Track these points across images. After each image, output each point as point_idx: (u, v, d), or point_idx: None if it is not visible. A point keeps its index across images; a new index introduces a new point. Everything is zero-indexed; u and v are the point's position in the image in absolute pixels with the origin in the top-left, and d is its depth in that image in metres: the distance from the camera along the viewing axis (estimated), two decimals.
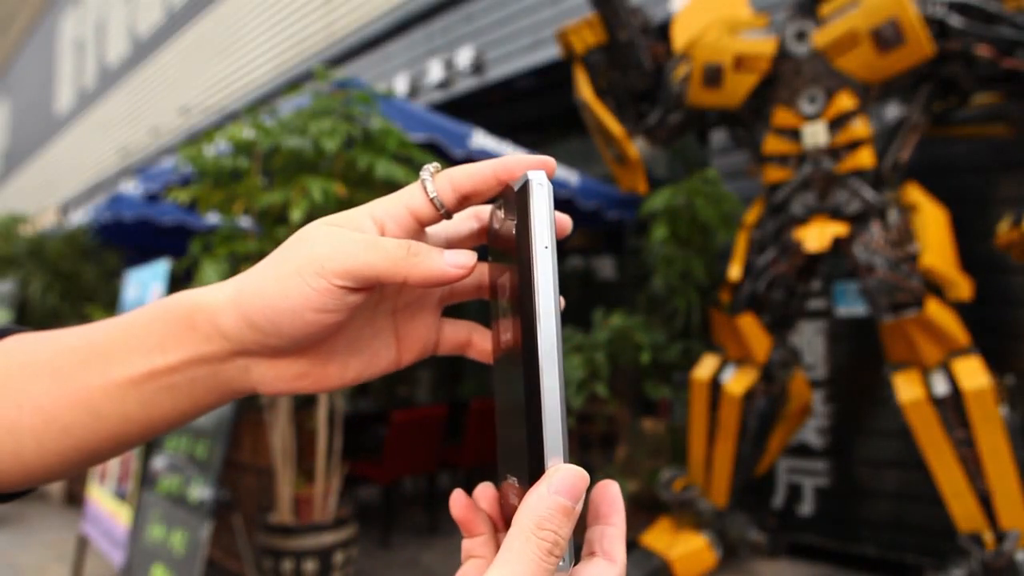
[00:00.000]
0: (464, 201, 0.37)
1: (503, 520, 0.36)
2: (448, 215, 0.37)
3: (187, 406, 0.37)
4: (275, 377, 0.37)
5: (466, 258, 0.35)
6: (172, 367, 0.36)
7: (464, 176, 0.36)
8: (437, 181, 0.37)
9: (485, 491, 0.37)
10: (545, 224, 0.32)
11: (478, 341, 0.41)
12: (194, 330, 0.35)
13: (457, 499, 0.37)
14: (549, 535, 0.29)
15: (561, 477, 0.30)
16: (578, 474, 0.31)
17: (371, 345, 0.39)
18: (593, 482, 0.34)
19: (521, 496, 0.32)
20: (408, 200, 0.36)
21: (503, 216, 0.36)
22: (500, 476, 0.37)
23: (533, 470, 0.31)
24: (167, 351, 0.36)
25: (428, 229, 0.39)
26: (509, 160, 0.36)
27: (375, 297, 0.39)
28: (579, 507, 0.31)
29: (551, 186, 0.34)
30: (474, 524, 0.36)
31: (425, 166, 0.38)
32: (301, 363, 0.37)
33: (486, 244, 0.40)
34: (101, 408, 0.36)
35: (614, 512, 0.34)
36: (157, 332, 0.36)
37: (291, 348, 0.36)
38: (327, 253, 0.33)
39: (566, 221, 0.38)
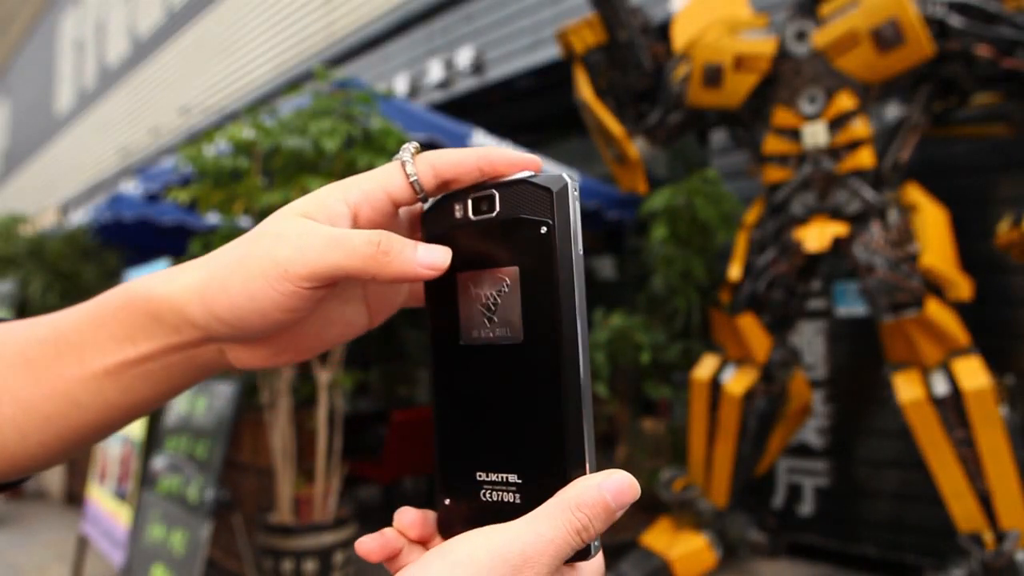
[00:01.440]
0: (443, 187, 0.36)
1: (448, 524, 0.35)
2: (425, 199, 0.37)
3: (165, 388, 0.37)
4: (251, 356, 0.37)
5: (440, 256, 0.34)
6: (145, 356, 0.35)
7: (448, 163, 0.36)
8: (417, 163, 0.36)
9: (406, 518, 0.36)
10: (579, 229, 0.33)
11: None
12: (160, 322, 0.35)
13: (367, 545, 0.35)
14: (584, 518, 0.30)
15: (617, 480, 0.31)
16: (631, 483, 0.32)
17: (343, 315, 0.39)
18: None
19: (519, 493, 0.33)
20: (386, 182, 0.36)
21: (469, 210, 0.35)
22: (460, 472, 0.35)
23: (561, 470, 0.32)
24: (137, 342, 0.35)
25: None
26: (492, 153, 0.36)
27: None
28: (619, 513, 0.31)
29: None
30: (402, 556, 0.35)
31: (404, 146, 0.37)
32: (275, 343, 0.37)
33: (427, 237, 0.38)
34: (81, 398, 0.35)
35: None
36: (124, 323, 0.35)
37: (263, 337, 0.36)
38: (291, 256, 0.32)
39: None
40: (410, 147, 0.36)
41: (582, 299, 0.33)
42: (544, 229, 0.33)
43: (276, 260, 0.33)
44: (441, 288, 0.36)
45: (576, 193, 0.33)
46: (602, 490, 0.31)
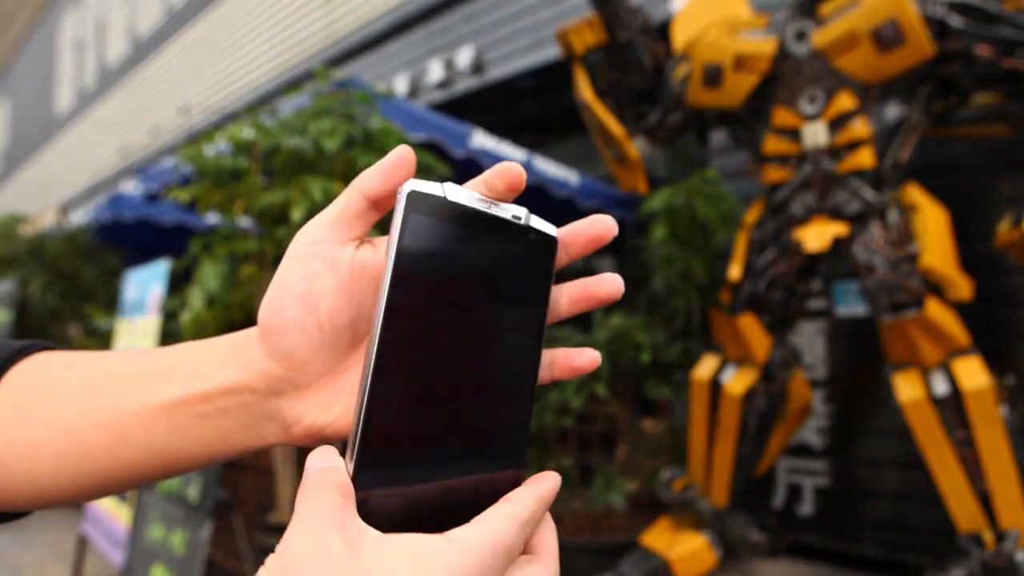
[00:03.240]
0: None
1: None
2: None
3: (212, 440, 0.36)
4: (305, 411, 0.36)
5: None
6: (208, 394, 0.35)
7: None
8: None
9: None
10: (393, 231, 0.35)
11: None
12: (236, 356, 0.36)
13: None
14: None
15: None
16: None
17: None
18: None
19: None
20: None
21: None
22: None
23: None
24: (208, 377, 0.35)
25: None
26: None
27: None
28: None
29: (423, 188, 0.34)
30: None
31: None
32: (329, 391, 0.36)
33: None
34: (129, 433, 0.35)
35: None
36: (207, 357, 0.36)
37: (313, 350, 0.35)
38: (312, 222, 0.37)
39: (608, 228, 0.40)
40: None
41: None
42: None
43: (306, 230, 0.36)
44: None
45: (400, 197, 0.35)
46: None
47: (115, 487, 0.37)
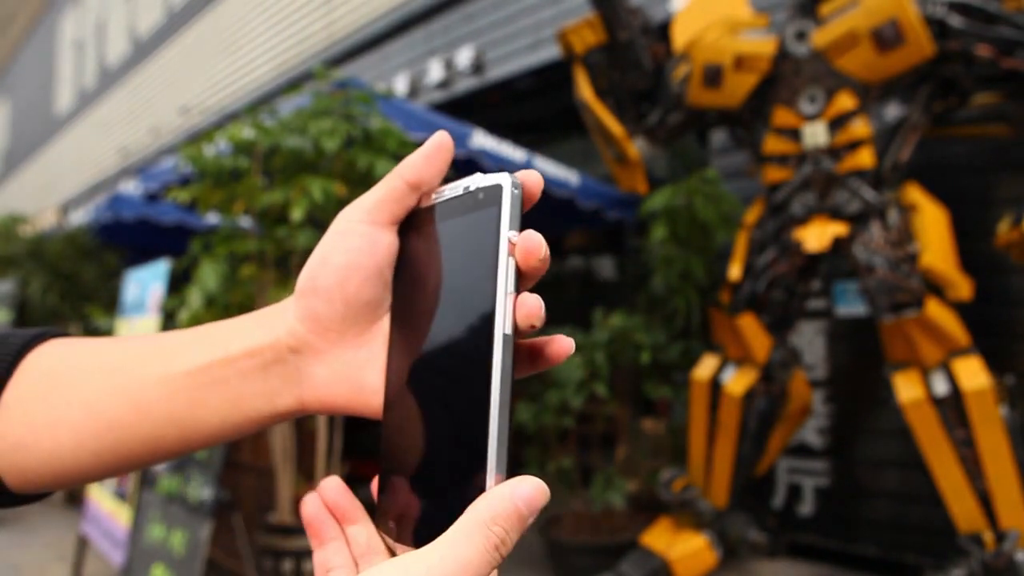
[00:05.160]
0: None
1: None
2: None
3: (228, 407, 0.37)
4: (318, 377, 0.37)
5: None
6: (231, 358, 0.37)
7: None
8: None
9: (331, 483, 0.38)
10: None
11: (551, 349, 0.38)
12: (262, 323, 0.37)
13: (311, 500, 0.37)
14: (500, 532, 0.29)
15: (525, 487, 0.30)
16: (541, 489, 0.31)
17: None
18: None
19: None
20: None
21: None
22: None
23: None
24: (232, 343, 0.37)
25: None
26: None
27: None
28: (532, 519, 0.31)
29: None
30: (325, 529, 0.37)
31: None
32: (342, 362, 0.37)
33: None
34: (150, 403, 0.36)
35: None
36: (234, 326, 0.38)
37: (336, 318, 0.36)
38: (362, 200, 0.38)
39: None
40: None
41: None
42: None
43: (353, 208, 0.38)
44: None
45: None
46: (514, 500, 0.30)
47: (135, 461, 0.38)
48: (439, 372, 0.34)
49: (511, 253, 0.32)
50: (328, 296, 0.36)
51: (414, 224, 0.38)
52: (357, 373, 0.37)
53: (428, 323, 0.35)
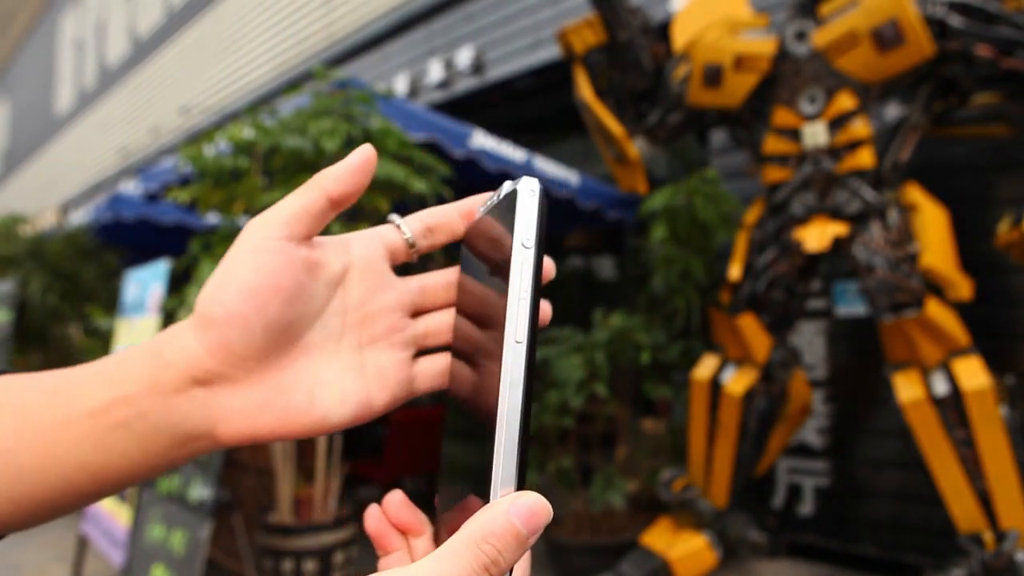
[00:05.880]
0: (429, 233, 0.39)
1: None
2: (415, 251, 0.40)
3: (136, 453, 0.34)
4: (236, 410, 0.34)
5: None
6: (128, 396, 0.33)
7: (431, 212, 0.40)
8: (408, 221, 0.39)
9: (394, 498, 0.38)
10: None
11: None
12: (157, 356, 0.34)
13: (373, 514, 0.37)
14: (491, 551, 0.28)
15: (524, 503, 0.28)
16: (542, 505, 0.29)
17: (339, 381, 0.36)
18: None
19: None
20: (382, 235, 0.39)
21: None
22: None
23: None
24: (127, 381, 0.34)
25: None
26: (468, 200, 0.39)
27: (337, 326, 0.37)
28: (533, 539, 0.29)
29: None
30: (388, 540, 0.36)
31: (390, 216, 0.40)
32: (263, 388, 0.34)
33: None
34: (56, 449, 0.33)
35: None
36: (131, 361, 0.34)
37: (253, 347, 0.34)
38: (265, 216, 0.36)
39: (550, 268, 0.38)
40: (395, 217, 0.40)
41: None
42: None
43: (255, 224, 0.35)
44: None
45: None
46: (510, 517, 0.28)
47: (53, 510, 0.35)
48: (472, 383, 0.34)
49: (529, 259, 0.31)
50: (243, 323, 0.33)
51: (471, 234, 0.38)
52: (282, 399, 0.35)
53: (470, 332, 0.35)
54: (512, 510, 0.28)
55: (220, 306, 0.33)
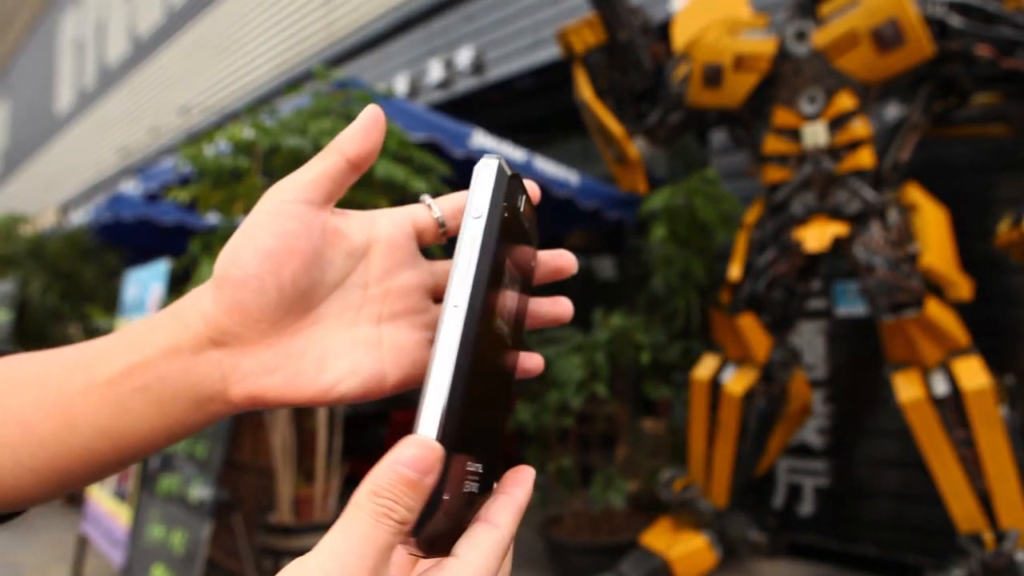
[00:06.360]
0: (459, 215, 0.39)
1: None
2: (445, 232, 0.39)
3: (156, 417, 0.34)
4: (247, 371, 0.34)
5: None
6: (148, 360, 0.34)
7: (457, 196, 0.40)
8: (439, 201, 0.40)
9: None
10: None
11: None
12: (177, 318, 0.35)
13: None
14: (384, 501, 0.28)
15: (405, 448, 0.29)
16: (425, 445, 0.29)
17: (353, 352, 0.36)
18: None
19: (478, 482, 0.32)
20: (413, 212, 0.39)
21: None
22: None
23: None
24: (148, 345, 0.34)
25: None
26: None
27: (356, 298, 0.37)
28: (428, 480, 0.28)
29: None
30: None
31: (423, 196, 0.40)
32: (274, 352, 0.35)
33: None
34: (76, 417, 0.34)
35: (515, 485, 0.34)
36: (149, 326, 0.35)
37: (268, 309, 0.34)
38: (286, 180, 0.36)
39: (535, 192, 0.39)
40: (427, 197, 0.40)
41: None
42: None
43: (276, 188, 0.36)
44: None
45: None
46: (395, 465, 0.28)
47: (76, 478, 0.36)
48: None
49: (476, 229, 0.32)
50: (259, 285, 0.33)
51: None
52: (291, 363, 0.35)
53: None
54: (397, 459, 0.28)
55: (236, 266, 0.34)
